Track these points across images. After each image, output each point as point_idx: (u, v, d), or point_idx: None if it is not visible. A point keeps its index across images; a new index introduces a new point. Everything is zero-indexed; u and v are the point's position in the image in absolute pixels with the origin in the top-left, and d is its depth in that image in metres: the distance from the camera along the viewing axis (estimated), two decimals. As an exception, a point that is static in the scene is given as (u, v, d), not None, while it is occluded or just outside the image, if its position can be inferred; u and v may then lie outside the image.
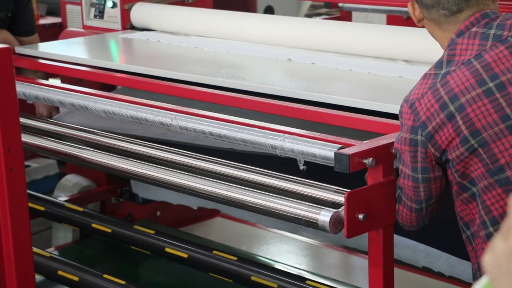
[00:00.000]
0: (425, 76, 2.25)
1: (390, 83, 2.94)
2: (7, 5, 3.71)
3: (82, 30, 4.11)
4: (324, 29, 3.43)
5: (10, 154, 1.83)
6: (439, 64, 2.24)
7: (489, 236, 2.19)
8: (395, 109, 2.52)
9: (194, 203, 3.91)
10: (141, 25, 4.00)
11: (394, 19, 4.87)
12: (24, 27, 3.80)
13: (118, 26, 4.02)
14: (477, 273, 2.28)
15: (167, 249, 3.15)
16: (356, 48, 3.26)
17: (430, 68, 2.25)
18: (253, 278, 2.93)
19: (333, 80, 3.06)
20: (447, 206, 2.94)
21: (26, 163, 5.08)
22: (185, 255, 3.10)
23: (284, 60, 3.31)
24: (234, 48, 3.51)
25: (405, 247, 3.12)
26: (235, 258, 3.01)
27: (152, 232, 3.28)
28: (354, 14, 5.03)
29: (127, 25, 4.02)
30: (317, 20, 4.06)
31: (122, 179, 4.12)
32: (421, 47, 3.03)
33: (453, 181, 2.23)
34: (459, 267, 2.97)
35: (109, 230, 3.35)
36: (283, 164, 2.72)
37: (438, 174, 2.24)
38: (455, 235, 2.57)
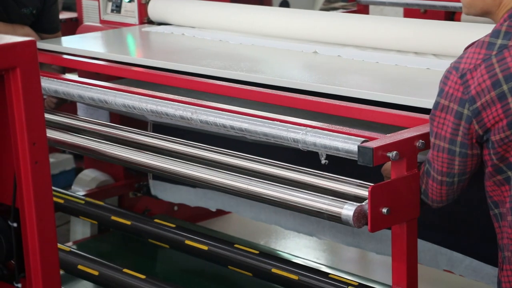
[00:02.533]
0: (478, 43, 2.15)
1: (417, 75, 2.90)
2: (33, 2, 3.72)
3: (99, 25, 4.10)
4: (352, 22, 3.38)
5: (35, 147, 1.82)
6: (496, 33, 2.14)
7: None
8: (419, 103, 2.49)
9: (212, 205, 3.90)
10: (159, 19, 3.99)
11: (412, 13, 4.84)
12: (49, 25, 3.82)
13: (135, 20, 4.01)
14: (502, 252, 2.24)
15: (187, 242, 3.14)
16: (383, 42, 3.22)
17: (485, 36, 2.15)
18: (273, 270, 2.91)
19: (357, 72, 3.04)
20: (470, 209, 2.93)
21: (43, 158, 5.08)
22: (205, 248, 3.08)
23: (310, 52, 3.29)
24: (259, 41, 3.49)
25: (426, 251, 3.10)
26: (257, 252, 3.00)
27: (173, 225, 3.27)
28: (370, 7, 5.00)
29: (144, 19, 4.01)
30: (345, 14, 4.02)
31: (139, 173, 4.12)
32: (450, 40, 3.00)
33: (488, 162, 2.18)
34: (483, 271, 2.94)
35: (128, 223, 3.34)
36: (297, 155, 2.70)
37: (476, 152, 2.19)
38: (479, 238, 2.56)
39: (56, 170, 5.27)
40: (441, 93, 2.18)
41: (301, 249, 4.05)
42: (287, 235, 4.19)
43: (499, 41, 2.12)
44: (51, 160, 5.24)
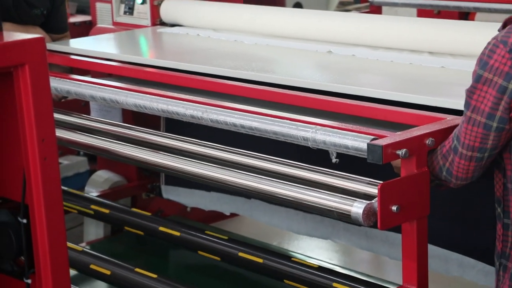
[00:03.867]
0: None
1: (431, 74, 2.90)
2: (43, 3, 3.75)
3: (112, 27, 4.13)
4: (367, 22, 3.38)
5: (44, 144, 1.83)
6: None
7: None
8: (433, 102, 2.48)
9: (226, 209, 3.91)
10: (171, 21, 4.00)
11: (425, 13, 4.83)
12: (58, 25, 3.84)
13: (147, 22, 4.03)
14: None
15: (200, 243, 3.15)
16: (398, 42, 3.21)
17: None
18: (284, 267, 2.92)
19: (371, 72, 3.04)
20: (481, 217, 2.91)
21: (57, 160, 5.11)
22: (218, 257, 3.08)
23: (324, 52, 3.29)
24: (274, 42, 3.49)
25: (436, 256, 3.08)
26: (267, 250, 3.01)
27: (185, 227, 3.28)
28: (384, 9, 5.00)
29: (157, 21, 4.03)
30: (360, 14, 4.01)
31: (152, 174, 4.13)
32: (465, 40, 2.99)
33: None
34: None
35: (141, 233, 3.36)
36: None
37: (511, 127, 2.16)
38: (492, 244, 2.54)
39: (70, 172, 5.29)
40: (484, 66, 2.13)
41: (314, 250, 4.04)
42: (300, 236, 4.19)
43: None
44: (65, 162, 5.27)
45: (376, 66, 3.07)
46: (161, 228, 3.34)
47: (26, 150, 1.86)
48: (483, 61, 2.15)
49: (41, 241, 1.92)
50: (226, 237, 3.21)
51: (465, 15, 4.72)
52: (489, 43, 2.16)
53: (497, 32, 2.19)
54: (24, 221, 1.93)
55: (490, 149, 2.20)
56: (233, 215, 4.35)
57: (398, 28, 3.25)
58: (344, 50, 3.27)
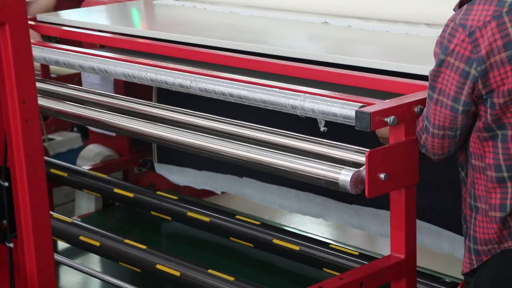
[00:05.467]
0: (486, 0, 2.08)
1: (426, 44, 2.86)
2: None
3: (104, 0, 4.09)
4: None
5: (25, 105, 1.81)
6: None
7: (500, 180, 2.16)
8: (425, 71, 2.45)
9: (217, 187, 3.90)
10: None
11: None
12: None
13: (140, -6, 3.99)
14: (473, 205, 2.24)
15: (189, 213, 3.14)
16: (396, 13, 3.17)
17: None
18: (274, 241, 2.91)
19: (365, 42, 3.01)
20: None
21: (50, 136, 5.09)
22: (208, 219, 3.08)
23: (319, 23, 3.26)
24: (269, 14, 3.46)
25: (429, 233, 3.08)
26: (258, 223, 2.99)
27: (175, 198, 3.27)
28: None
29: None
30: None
31: (144, 148, 4.11)
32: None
33: (482, 117, 2.15)
34: None
35: (131, 195, 3.34)
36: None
37: (476, 108, 2.15)
38: None
39: (63, 148, 5.26)
40: (446, 50, 2.12)
41: (306, 224, 4.03)
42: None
43: None
44: (58, 138, 5.25)
45: (372, 37, 3.05)
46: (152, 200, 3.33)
47: (7, 112, 1.84)
48: (444, 45, 2.13)
49: (22, 205, 1.91)
50: (219, 210, 3.21)
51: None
52: (447, 26, 2.14)
53: (460, 10, 2.14)
54: (6, 184, 1.91)
55: (461, 127, 2.20)
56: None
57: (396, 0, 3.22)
58: (340, 21, 3.24)
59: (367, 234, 3.94)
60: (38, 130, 1.86)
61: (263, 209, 4.14)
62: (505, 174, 2.15)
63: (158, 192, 3.37)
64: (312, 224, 4.05)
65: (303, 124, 2.68)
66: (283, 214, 4.16)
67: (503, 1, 2.07)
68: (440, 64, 2.15)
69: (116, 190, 3.44)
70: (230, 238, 3.10)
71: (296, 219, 4.09)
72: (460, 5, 2.19)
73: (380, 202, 2.76)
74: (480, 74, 2.08)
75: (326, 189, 3.41)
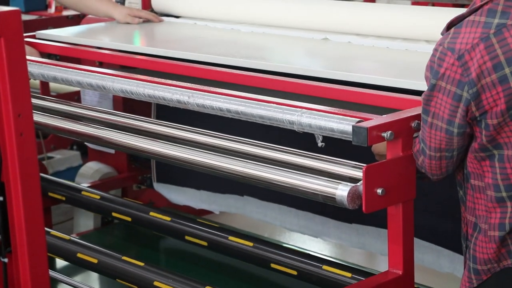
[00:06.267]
0: (473, 23, 2.08)
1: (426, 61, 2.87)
2: None
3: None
4: (366, 11, 3.34)
5: (20, 119, 1.81)
6: (491, 13, 2.06)
7: (499, 200, 2.15)
8: (422, 86, 2.45)
9: (215, 208, 3.90)
10: (163, 11, 3.97)
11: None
12: None
13: (139, 12, 4.00)
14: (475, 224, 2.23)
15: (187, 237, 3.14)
16: (395, 30, 3.18)
17: (479, 15, 2.07)
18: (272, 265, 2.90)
19: (366, 59, 3.01)
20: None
21: (49, 154, 5.09)
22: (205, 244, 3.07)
23: (319, 39, 3.26)
24: (269, 30, 3.47)
25: (429, 252, 3.07)
26: (251, 244, 2.99)
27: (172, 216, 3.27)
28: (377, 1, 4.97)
29: (148, 11, 4.00)
30: (358, 3, 3.98)
31: (143, 166, 4.11)
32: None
33: (477, 139, 2.14)
34: None
35: (129, 219, 3.34)
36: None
37: (471, 129, 2.15)
38: None
39: (62, 166, 5.25)
40: (436, 74, 2.12)
41: (305, 241, 4.01)
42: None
43: (496, 20, 2.06)
44: (57, 156, 5.24)
45: (372, 53, 3.05)
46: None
47: (2, 126, 1.83)
48: (434, 69, 2.13)
49: (17, 219, 1.90)
50: (215, 225, 3.20)
51: (459, 7, 4.69)
52: (436, 50, 2.14)
53: (448, 34, 2.14)
54: (0, 198, 1.90)
55: (457, 148, 2.19)
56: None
57: (395, 17, 3.22)
58: (341, 37, 3.24)
59: (367, 252, 3.93)
60: (33, 144, 1.86)
61: (262, 227, 4.13)
62: (504, 194, 2.15)
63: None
64: (311, 241, 4.03)
65: (302, 140, 2.67)
66: (281, 232, 4.15)
67: (490, 22, 2.07)
68: (432, 88, 2.15)
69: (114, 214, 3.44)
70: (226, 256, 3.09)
71: (295, 236, 4.08)
72: (447, 28, 2.19)
73: (379, 220, 2.75)
74: (472, 97, 2.08)
75: (325, 209, 3.44)
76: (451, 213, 2.91)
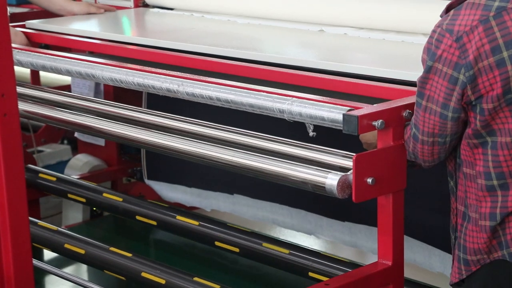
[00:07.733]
0: (473, 5, 2.06)
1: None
2: None
3: (94, 9, 4.06)
4: (362, 3, 3.32)
5: (4, 99, 1.78)
6: None
7: (490, 188, 2.13)
8: (414, 77, 2.43)
9: (206, 205, 3.87)
10: (154, 3, 3.94)
11: None
12: None
13: (130, 4, 3.97)
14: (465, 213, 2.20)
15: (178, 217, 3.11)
16: (392, 23, 3.16)
17: None
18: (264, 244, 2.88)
19: (361, 50, 2.99)
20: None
21: (40, 148, 5.06)
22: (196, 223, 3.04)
23: (315, 31, 3.23)
24: (265, 22, 3.44)
25: (421, 251, 3.05)
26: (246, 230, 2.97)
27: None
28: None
29: (140, 3, 3.97)
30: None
31: (133, 159, 4.08)
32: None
33: (471, 124, 2.12)
34: None
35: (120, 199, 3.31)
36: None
37: (466, 115, 2.13)
38: None
39: (53, 160, 5.21)
40: (433, 56, 2.09)
41: (296, 236, 3.98)
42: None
43: (496, 3, 2.04)
44: (47, 150, 5.21)
45: (367, 45, 3.02)
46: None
47: (-15, 106, 1.80)
48: (431, 51, 2.10)
49: (0, 203, 1.86)
50: (205, 218, 3.18)
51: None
52: (434, 31, 2.11)
53: (447, 16, 2.12)
54: (-17, 181, 1.87)
55: (450, 134, 2.17)
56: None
57: (392, 9, 3.19)
58: (337, 29, 3.21)
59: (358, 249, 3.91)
60: (17, 125, 1.83)
61: (253, 224, 4.10)
62: (495, 182, 2.12)
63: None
64: (301, 236, 4.00)
65: (293, 131, 2.65)
66: (272, 227, 4.12)
67: (490, 5, 2.05)
68: (428, 70, 2.12)
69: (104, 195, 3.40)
70: (216, 243, 3.06)
71: (286, 232, 4.05)
72: (446, 10, 2.17)
73: (373, 219, 2.73)
74: (468, 80, 2.05)
75: (318, 206, 3.41)
76: (442, 212, 2.89)
